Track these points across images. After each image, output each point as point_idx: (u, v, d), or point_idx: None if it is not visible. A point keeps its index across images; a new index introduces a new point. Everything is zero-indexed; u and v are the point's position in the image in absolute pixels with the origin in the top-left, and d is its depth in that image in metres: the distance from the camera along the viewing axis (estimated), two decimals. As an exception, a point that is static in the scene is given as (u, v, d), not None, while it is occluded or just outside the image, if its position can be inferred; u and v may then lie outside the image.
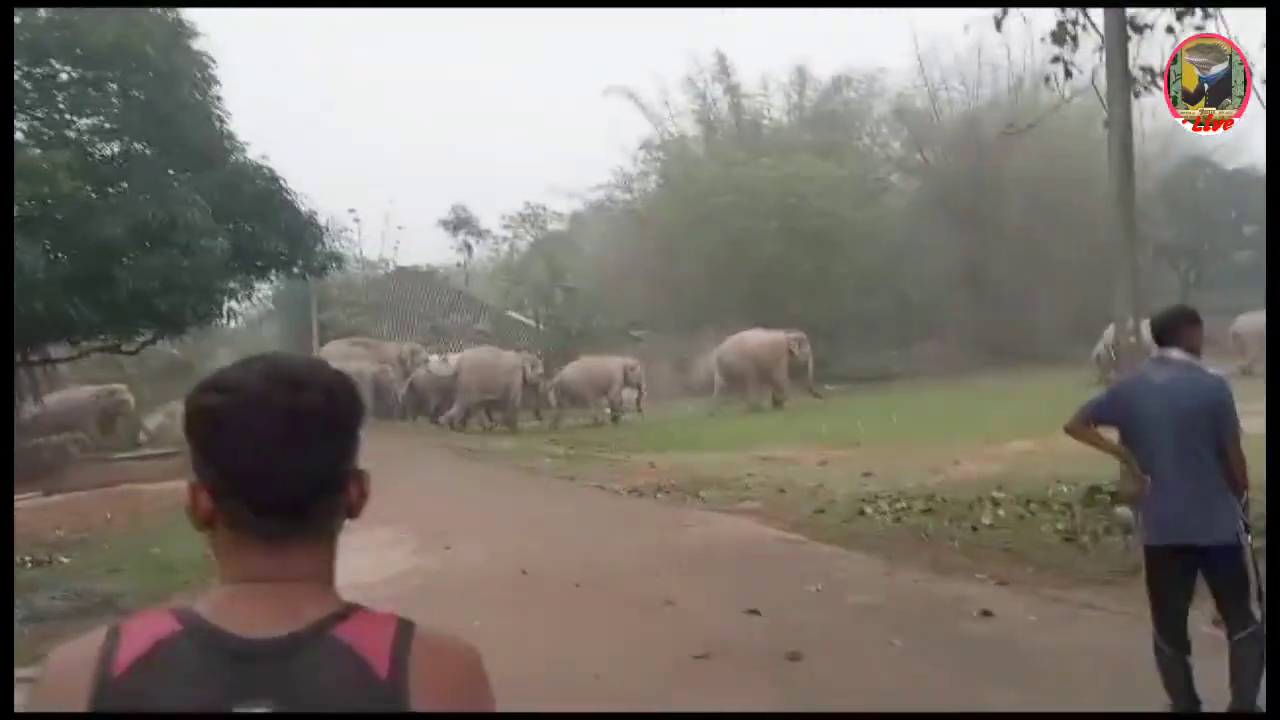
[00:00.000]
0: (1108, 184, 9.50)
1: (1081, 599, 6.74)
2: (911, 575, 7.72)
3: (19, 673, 3.81)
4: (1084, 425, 4.68)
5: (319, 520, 1.22)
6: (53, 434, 21.05)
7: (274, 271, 14.42)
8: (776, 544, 9.32)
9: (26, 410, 20.38)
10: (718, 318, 30.98)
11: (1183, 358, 4.39)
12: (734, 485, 12.62)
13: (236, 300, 14.68)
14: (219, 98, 12.86)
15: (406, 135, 70.94)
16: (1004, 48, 32.24)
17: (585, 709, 5.06)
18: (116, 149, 12.68)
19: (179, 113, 12.07)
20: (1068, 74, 9.80)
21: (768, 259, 30.59)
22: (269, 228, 12.97)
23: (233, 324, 17.74)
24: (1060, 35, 9.62)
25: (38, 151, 11.18)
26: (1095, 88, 9.64)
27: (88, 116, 12.39)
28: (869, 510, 10.22)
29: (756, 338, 25.19)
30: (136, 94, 12.01)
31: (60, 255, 11.10)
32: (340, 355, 29.10)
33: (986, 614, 6.49)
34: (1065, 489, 9.95)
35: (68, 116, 12.26)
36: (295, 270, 14.52)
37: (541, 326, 33.63)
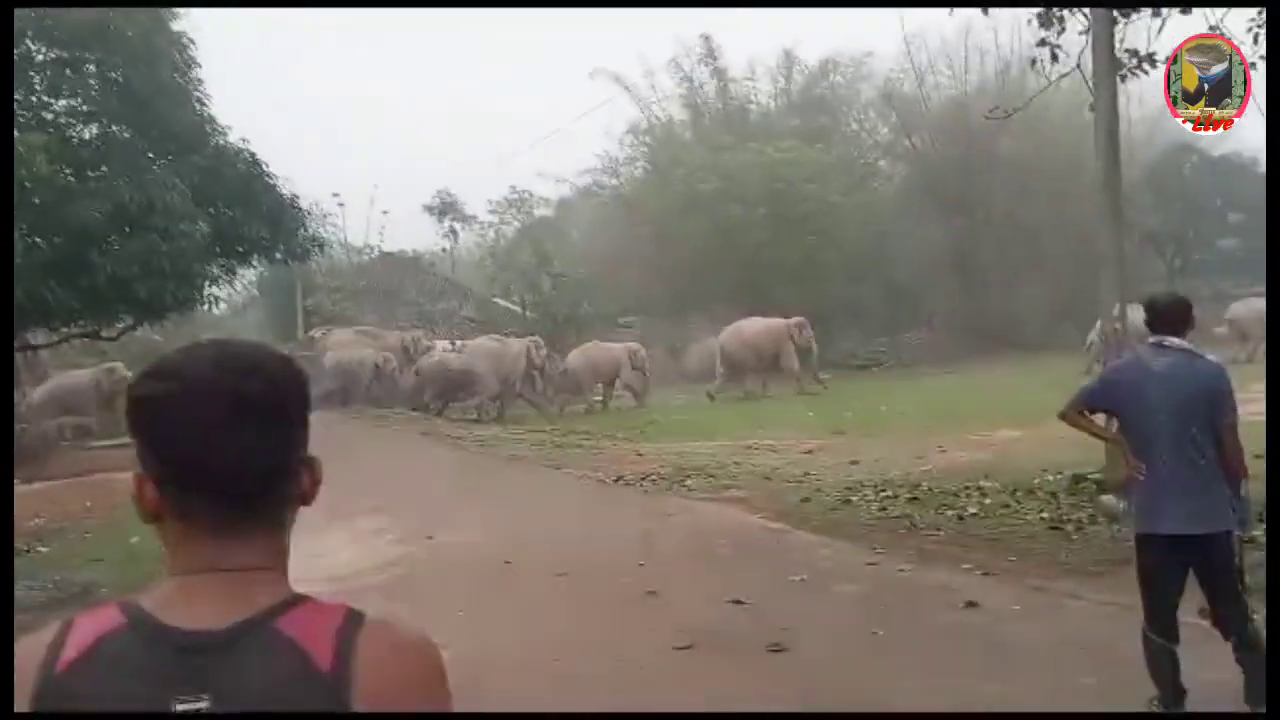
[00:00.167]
0: (1094, 169, 9.47)
1: (1066, 589, 6.72)
2: (896, 565, 7.69)
3: None
4: (1078, 411, 4.66)
5: (267, 509, 1.19)
6: (52, 418, 20.81)
7: (255, 256, 14.23)
8: (761, 533, 9.29)
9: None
10: (706, 304, 30.91)
11: (1181, 344, 4.36)
12: (720, 474, 12.59)
13: (218, 286, 14.49)
14: (200, 80, 12.67)
15: (390, 119, 70.50)
16: (991, 31, 32.21)
17: (566, 702, 5.02)
18: (95, 131, 12.49)
19: (158, 95, 11.88)
20: (1054, 58, 9.76)
21: (755, 245, 30.50)
22: (250, 212, 12.79)
23: (216, 310, 17.58)
24: (1047, 18, 9.57)
25: (15, 134, 11.00)
26: (1081, 71, 9.60)
27: (65, 98, 12.20)
28: (855, 499, 10.21)
29: (755, 325, 25.13)
30: (115, 76, 11.80)
31: (37, 240, 10.93)
32: (343, 343, 29.17)
33: (972, 604, 6.46)
34: (1051, 477, 9.96)
35: (45, 98, 12.06)
36: (277, 255, 14.34)
37: (528, 313, 33.47)
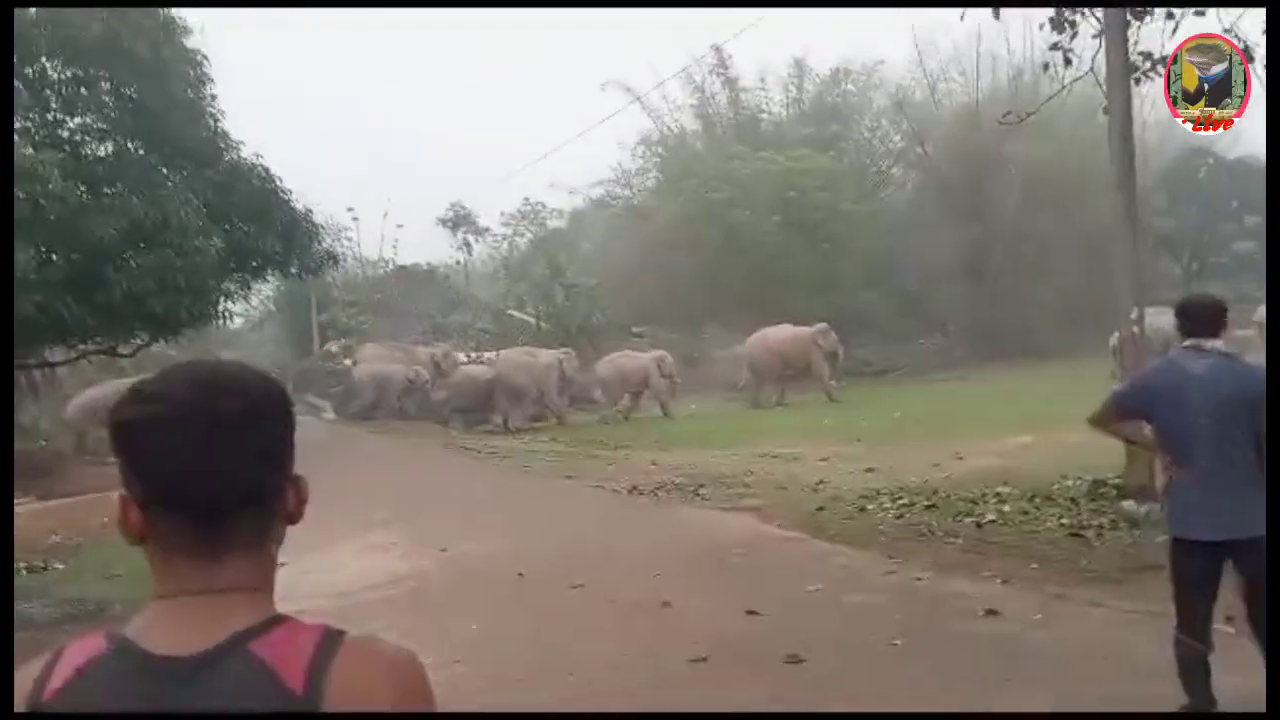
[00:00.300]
0: (1108, 173, 9.39)
1: (1088, 596, 6.62)
2: (914, 573, 7.60)
3: None
4: (1112, 417, 4.59)
5: (249, 529, 1.19)
6: (88, 428, 20.91)
7: (270, 271, 14.32)
8: (777, 543, 9.21)
9: (27, 413, 20.28)
10: (718, 313, 30.85)
11: (1219, 346, 4.30)
12: (735, 483, 12.52)
13: (232, 301, 14.61)
14: (213, 96, 12.76)
15: (405, 134, 70.82)
16: (1003, 37, 32.14)
17: (582, 714, 4.97)
18: (109, 149, 12.56)
19: (171, 111, 11.95)
20: (1067, 61, 9.70)
21: (767, 254, 30.47)
22: (264, 227, 12.86)
23: (232, 325, 17.69)
24: (1059, 22, 9.51)
25: (30, 151, 11.06)
26: (1094, 74, 9.53)
27: (79, 115, 12.27)
28: (871, 507, 10.11)
29: (778, 333, 25.23)
30: (128, 92, 11.88)
31: (53, 256, 10.99)
32: (374, 357, 29.50)
33: (991, 613, 6.38)
34: (1070, 483, 9.83)
35: (59, 116, 12.14)
36: (292, 270, 14.43)
37: (542, 324, 33.52)
